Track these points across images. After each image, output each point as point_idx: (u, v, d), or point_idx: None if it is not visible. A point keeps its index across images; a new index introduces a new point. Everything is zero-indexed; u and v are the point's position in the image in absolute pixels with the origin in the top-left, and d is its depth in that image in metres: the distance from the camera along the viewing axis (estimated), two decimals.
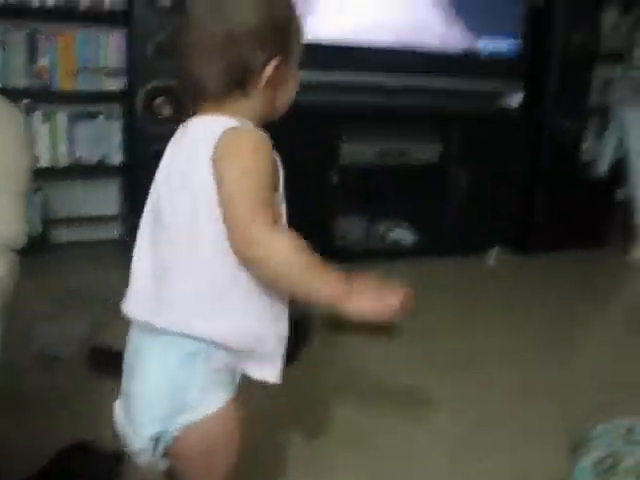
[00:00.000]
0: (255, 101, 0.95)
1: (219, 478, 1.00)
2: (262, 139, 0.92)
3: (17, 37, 2.68)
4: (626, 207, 3.65)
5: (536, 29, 3.15)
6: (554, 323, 2.50)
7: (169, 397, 0.92)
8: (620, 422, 1.49)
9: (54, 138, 2.80)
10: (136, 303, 0.97)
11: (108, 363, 1.80)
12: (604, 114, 4.14)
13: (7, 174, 1.09)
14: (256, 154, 0.89)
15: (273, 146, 0.94)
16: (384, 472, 1.50)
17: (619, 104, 3.67)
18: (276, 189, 0.94)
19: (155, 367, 0.93)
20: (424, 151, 2.99)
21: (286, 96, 1.00)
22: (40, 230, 2.74)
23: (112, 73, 2.80)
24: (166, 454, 0.96)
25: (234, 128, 0.91)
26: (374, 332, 2.15)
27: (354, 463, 1.51)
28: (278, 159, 0.96)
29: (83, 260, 2.83)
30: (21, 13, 2.68)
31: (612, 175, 3.84)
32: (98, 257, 2.87)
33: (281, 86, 0.97)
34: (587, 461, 1.43)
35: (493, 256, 3.26)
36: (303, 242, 0.87)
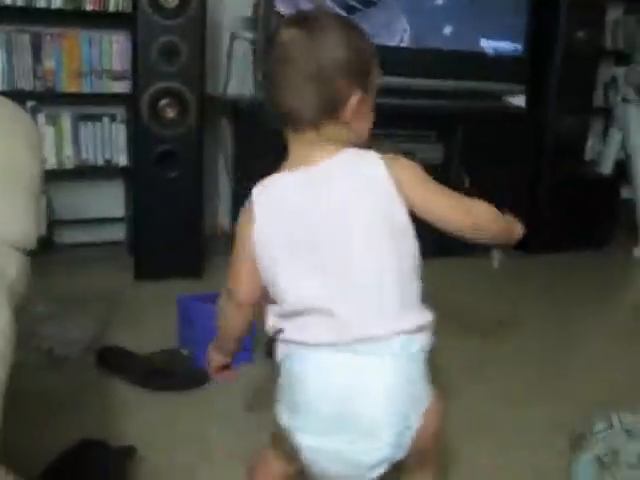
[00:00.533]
0: (343, 132, 1.06)
1: (439, 443, 1.15)
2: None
3: (22, 39, 2.69)
4: (630, 205, 3.66)
5: (540, 29, 3.16)
6: (559, 321, 2.50)
7: (406, 394, 1.01)
8: (622, 418, 1.50)
9: (59, 140, 2.81)
10: (362, 324, 1.01)
11: (118, 362, 1.83)
12: (608, 113, 4.15)
13: (19, 176, 1.10)
14: (415, 164, 1.10)
15: None
16: None
17: (622, 103, 3.67)
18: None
19: (395, 374, 1.01)
20: (428, 151, 3.00)
21: (367, 127, 1.10)
22: (46, 232, 2.74)
23: (117, 75, 2.82)
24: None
25: (388, 156, 1.06)
26: None
27: None
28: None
29: (89, 261, 2.85)
30: (26, 15, 2.69)
31: (616, 174, 3.85)
32: (104, 259, 2.88)
33: (362, 118, 1.07)
34: (588, 456, 1.43)
35: (498, 257, 3.25)
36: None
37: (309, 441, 1.03)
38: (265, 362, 1.96)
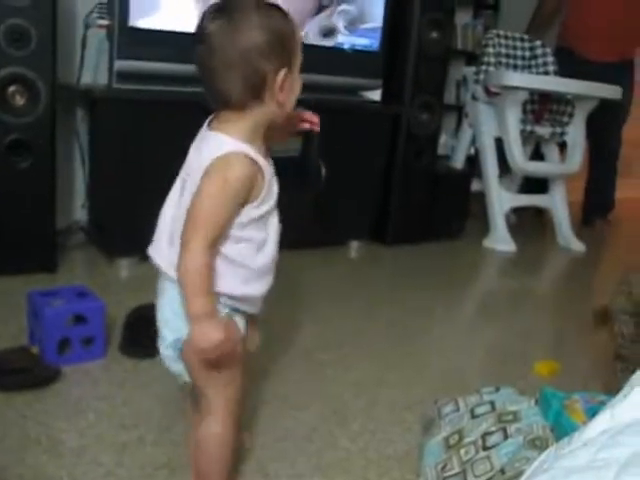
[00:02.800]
0: (269, 106, 1.15)
1: (221, 375, 1.22)
2: (242, 169, 1.13)
3: None
4: (480, 198, 3.86)
5: (395, 28, 3.25)
6: (409, 309, 2.60)
7: (179, 316, 1.18)
8: (467, 400, 1.58)
9: None
10: (159, 255, 1.23)
11: None
12: (460, 110, 4.36)
13: None
14: (225, 184, 1.11)
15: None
16: None
17: (472, 101, 3.86)
18: (260, 201, 1.19)
19: (170, 296, 1.20)
20: (287, 143, 3.02)
21: (293, 97, 1.19)
22: None
23: None
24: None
25: (224, 154, 1.12)
26: None
27: None
28: (268, 173, 1.21)
29: None
30: None
31: (467, 168, 4.05)
32: None
33: (289, 93, 1.17)
34: (436, 439, 1.51)
35: (354, 247, 3.35)
36: (208, 269, 1.13)
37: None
38: (120, 359, 1.93)
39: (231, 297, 1.20)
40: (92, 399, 1.70)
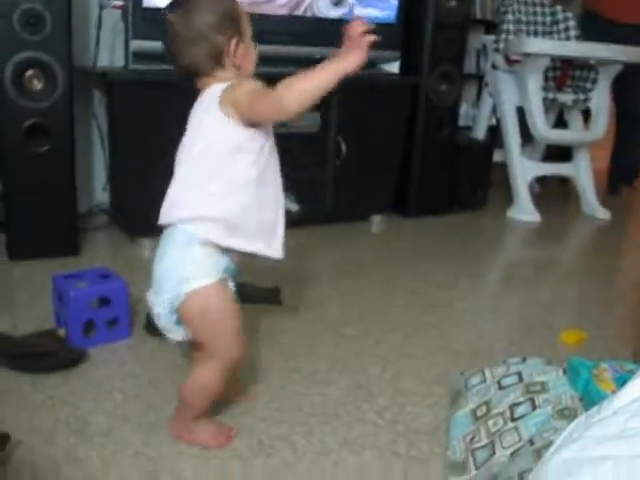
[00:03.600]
0: (231, 71, 1.37)
1: (221, 336, 1.38)
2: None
3: None
4: (503, 168, 3.81)
5: None
6: (433, 281, 2.58)
7: (175, 270, 1.33)
8: (493, 371, 1.57)
9: None
10: (162, 213, 1.37)
11: None
12: (480, 80, 4.30)
13: None
14: (255, 84, 1.31)
15: None
16: None
17: (492, 70, 3.81)
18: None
19: (166, 250, 1.35)
20: (305, 120, 3.00)
21: (250, 63, 1.41)
22: None
23: None
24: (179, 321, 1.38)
25: (230, 84, 1.33)
26: (265, 301, 2.19)
27: None
28: None
29: None
30: None
31: (489, 138, 4.00)
32: None
33: (245, 57, 1.39)
34: (464, 411, 1.50)
35: (376, 222, 3.34)
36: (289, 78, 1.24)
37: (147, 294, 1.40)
38: (145, 339, 1.94)
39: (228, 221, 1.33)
40: (119, 379, 1.72)
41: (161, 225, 1.38)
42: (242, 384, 1.69)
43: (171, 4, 1.37)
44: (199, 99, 1.39)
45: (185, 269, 1.33)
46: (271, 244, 1.40)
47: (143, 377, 1.73)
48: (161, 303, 1.35)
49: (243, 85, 1.32)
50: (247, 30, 1.40)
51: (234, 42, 1.35)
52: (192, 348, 1.49)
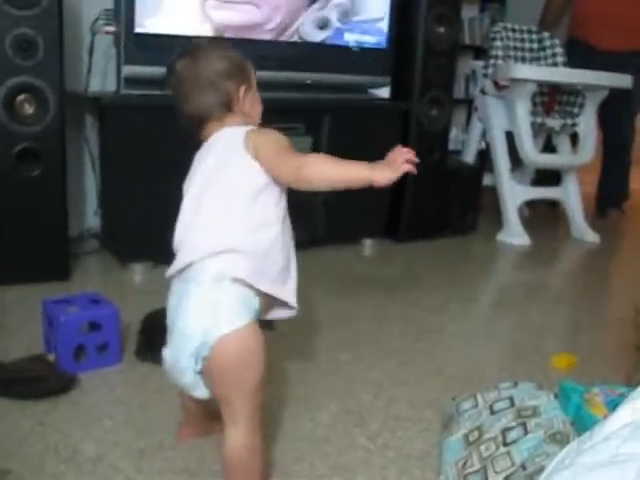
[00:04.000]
0: (240, 117, 1.41)
1: (251, 385, 1.25)
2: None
3: None
4: (493, 192, 3.83)
5: (402, 24, 3.24)
6: (425, 306, 2.59)
7: (203, 313, 1.22)
8: (485, 396, 1.57)
9: None
10: (187, 262, 1.26)
11: None
12: (469, 105, 4.34)
13: None
14: (279, 133, 1.34)
15: None
16: None
17: (481, 95, 3.84)
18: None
19: (190, 292, 1.24)
20: (296, 144, 3.00)
21: (257, 113, 1.47)
22: None
23: None
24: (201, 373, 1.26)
25: (251, 129, 1.36)
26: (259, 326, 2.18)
27: None
28: None
29: None
30: None
31: (479, 163, 4.03)
32: None
33: (252, 105, 1.44)
34: (456, 436, 1.50)
35: (368, 245, 3.35)
36: (327, 157, 1.30)
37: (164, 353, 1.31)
38: (135, 364, 1.93)
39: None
40: (109, 405, 1.71)
41: (176, 270, 1.28)
42: None
43: (179, 54, 1.41)
44: (211, 141, 1.38)
45: (216, 310, 1.22)
46: (285, 285, 1.36)
47: (133, 402, 1.72)
48: (187, 352, 1.24)
49: (269, 135, 1.34)
50: (253, 81, 1.45)
51: (243, 89, 1.39)
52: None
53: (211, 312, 1.21)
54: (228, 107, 1.38)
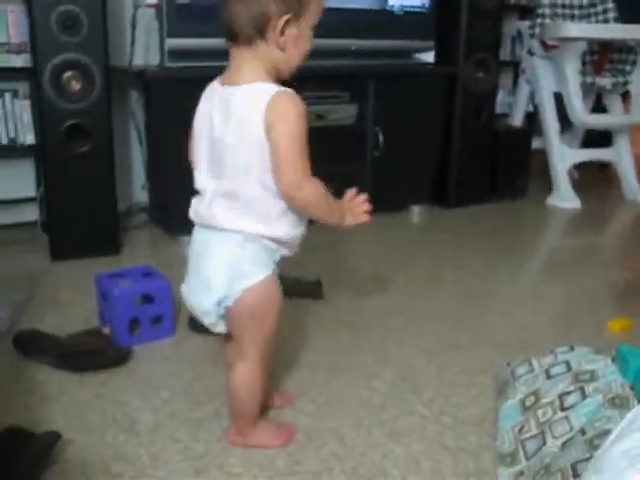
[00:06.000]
0: (273, 53, 1.24)
1: (264, 333, 1.34)
2: (301, 103, 1.23)
3: None
4: (542, 156, 3.76)
5: None
6: (475, 271, 2.56)
7: (230, 268, 1.28)
8: (540, 361, 1.55)
9: None
10: (205, 212, 1.31)
11: (37, 345, 1.78)
12: (516, 67, 4.24)
13: None
14: (300, 120, 1.22)
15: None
16: None
17: (528, 56, 3.75)
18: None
19: (219, 250, 1.30)
20: (342, 112, 3.00)
21: (297, 55, 1.28)
22: None
23: (16, 48, 2.70)
24: (224, 317, 1.34)
25: (278, 94, 1.21)
26: (307, 295, 2.18)
27: None
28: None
29: (3, 244, 2.75)
30: None
31: (527, 126, 3.95)
32: (18, 240, 2.79)
33: (294, 43, 1.25)
34: (512, 401, 1.48)
35: (416, 212, 3.32)
36: (323, 186, 1.27)
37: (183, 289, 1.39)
38: (189, 336, 1.95)
39: (281, 241, 1.32)
40: (164, 377, 1.73)
41: (199, 221, 1.34)
42: (288, 379, 1.69)
43: None
44: (234, 96, 1.25)
45: (240, 267, 1.28)
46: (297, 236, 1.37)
47: (188, 374, 1.74)
48: (211, 301, 1.31)
49: (288, 123, 1.21)
50: (310, 16, 1.26)
51: (285, 18, 1.21)
52: (226, 345, 1.47)
53: (236, 265, 1.28)
54: (260, 31, 1.21)
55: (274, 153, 1.22)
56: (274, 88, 1.23)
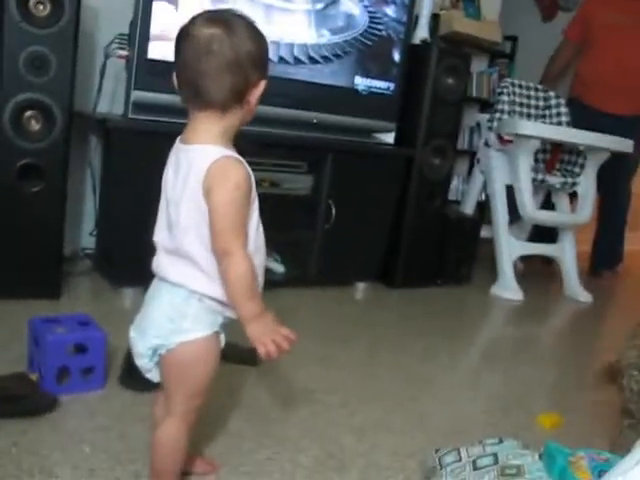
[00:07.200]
0: (243, 111, 1.27)
1: (193, 389, 1.33)
2: (242, 172, 1.23)
3: None
4: (489, 245, 3.84)
5: (411, 72, 3.28)
6: (414, 354, 2.57)
7: (171, 321, 1.29)
8: (469, 450, 1.55)
9: None
10: (159, 264, 1.32)
11: None
12: (472, 156, 4.37)
13: None
14: (238, 190, 1.21)
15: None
16: None
17: (485, 147, 3.87)
18: (251, 204, 1.27)
19: (166, 300, 1.30)
20: (298, 182, 3.03)
21: (253, 112, 1.31)
22: None
23: None
24: (158, 364, 1.35)
25: (221, 160, 1.22)
26: (243, 361, 2.16)
27: None
28: (252, 175, 1.26)
29: None
30: None
31: (478, 214, 4.05)
32: None
33: (255, 103, 1.29)
34: None
35: (361, 289, 3.34)
36: (254, 269, 1.25)
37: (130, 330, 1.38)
38: (118, 391, 1.90)
39: (224, 302, 1.29)
40: (88, 431, 1.68)
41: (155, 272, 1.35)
42: (212, 445, 1.66)
43: (207, 17, 1.23)
44: (184, 154, 1.27)
45: (181, 322, 1.28)
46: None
47: (113, 430, 1.69)
48: (147, 345, 1.32)
49: (226, 190, 1.21)
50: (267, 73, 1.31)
51: (263, 84, 1.26)
52: (157, 397, 1.45)
53: (177, 318, 1.28)
54: (238, 99, 1.24)
55: (210, 217, 1.22)
56: (220, 152, 1.23)
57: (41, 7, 2.34)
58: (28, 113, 2.39)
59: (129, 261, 2.69)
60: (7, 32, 2.30)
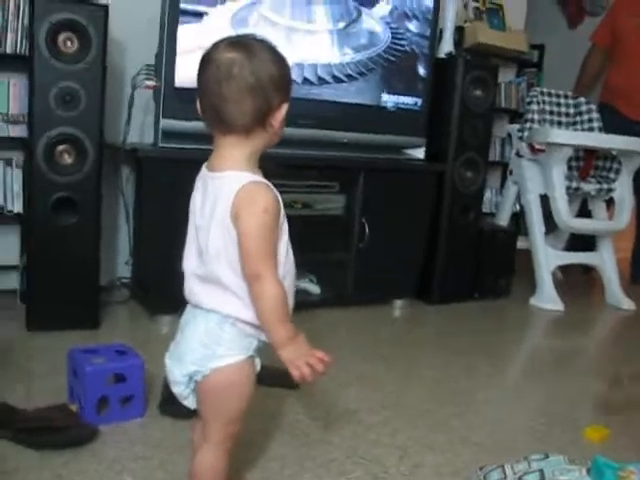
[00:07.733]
0: (268, 135, 1.28)
1: (229, 415, 1.33)
2: (271, 196, 1.23)
3: None
4: (526, 256, 3.79)
5: (439, 86, 3.27)
6: (455, 370, 2.54)
7: (205, 347, 1.28)
8: (514, 467, 1.52)
9: None
10: (190, 291, 1.33)
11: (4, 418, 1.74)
12: (504, 167, 4.33)
13: None
14: (266, 214, 1.21)
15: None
16: None
17: (516, 158, 3.83)
18: (280, 227, 1.27)
19: (200, 327, 1.30)
20: (330, 202, 3.03)
21: (280, 134, 1.31)
22: None
23: (14, 119, 2.74)
24: (194, 390, 1.35)
25: (248, 185, 1.22)
26: (281, 384, 2.14)
27: None
28: (280, 199, 1.26)
29: None
30: None
31: (513, 226, 4.00)
32: None
33: (281, 125, 1.28)
34: None
35: (398, 306, 3.31)
36: (285, 293, 1.25)
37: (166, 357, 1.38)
38: (158, 419, 1.90)
39: (258, 326, 1.28)
40: (129, 460, 1.68)
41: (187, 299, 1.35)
42: (254, 471, 1.65)
43: (228, 42, 1.25)
44: (211, 181, 1.28)
45: (215, 348, 1.28)
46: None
47: (154, 459, 1.69)
48: (183, 372, 1.32)
49: (255, 215, 1.21)
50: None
51: (285, 107, 1.26)
52: (195, 424, 1.45)
53: (211, 344, 1.28)
54: (261, 121, 1.24)
55: (239, 243, 1.22)
56: (247, 178, 1.24)
57: (69, 43, 2.39)
58: (60, 147, 2.43)
59: (164, 288, 2.70)
60: (37, 69, 2.35)
